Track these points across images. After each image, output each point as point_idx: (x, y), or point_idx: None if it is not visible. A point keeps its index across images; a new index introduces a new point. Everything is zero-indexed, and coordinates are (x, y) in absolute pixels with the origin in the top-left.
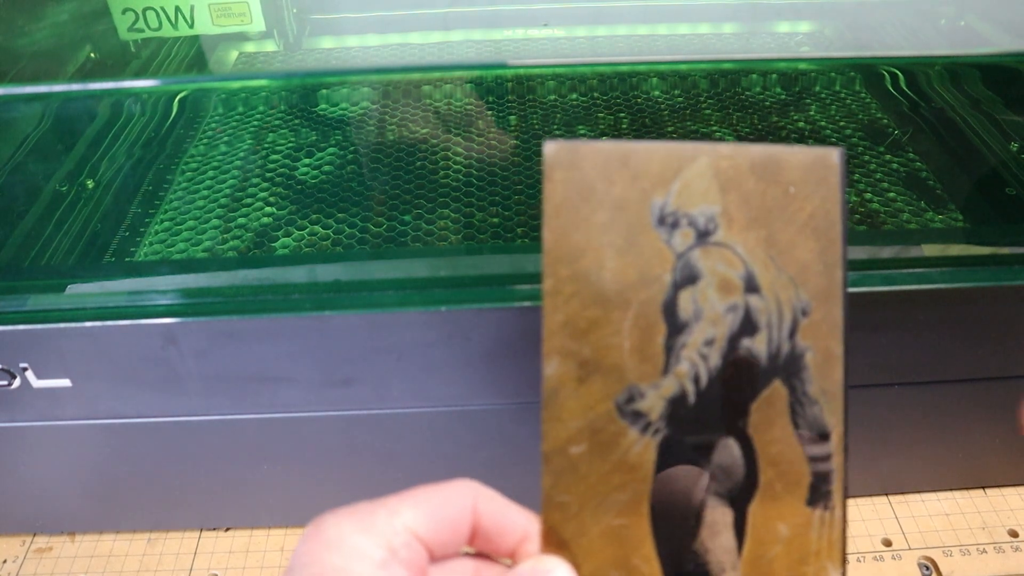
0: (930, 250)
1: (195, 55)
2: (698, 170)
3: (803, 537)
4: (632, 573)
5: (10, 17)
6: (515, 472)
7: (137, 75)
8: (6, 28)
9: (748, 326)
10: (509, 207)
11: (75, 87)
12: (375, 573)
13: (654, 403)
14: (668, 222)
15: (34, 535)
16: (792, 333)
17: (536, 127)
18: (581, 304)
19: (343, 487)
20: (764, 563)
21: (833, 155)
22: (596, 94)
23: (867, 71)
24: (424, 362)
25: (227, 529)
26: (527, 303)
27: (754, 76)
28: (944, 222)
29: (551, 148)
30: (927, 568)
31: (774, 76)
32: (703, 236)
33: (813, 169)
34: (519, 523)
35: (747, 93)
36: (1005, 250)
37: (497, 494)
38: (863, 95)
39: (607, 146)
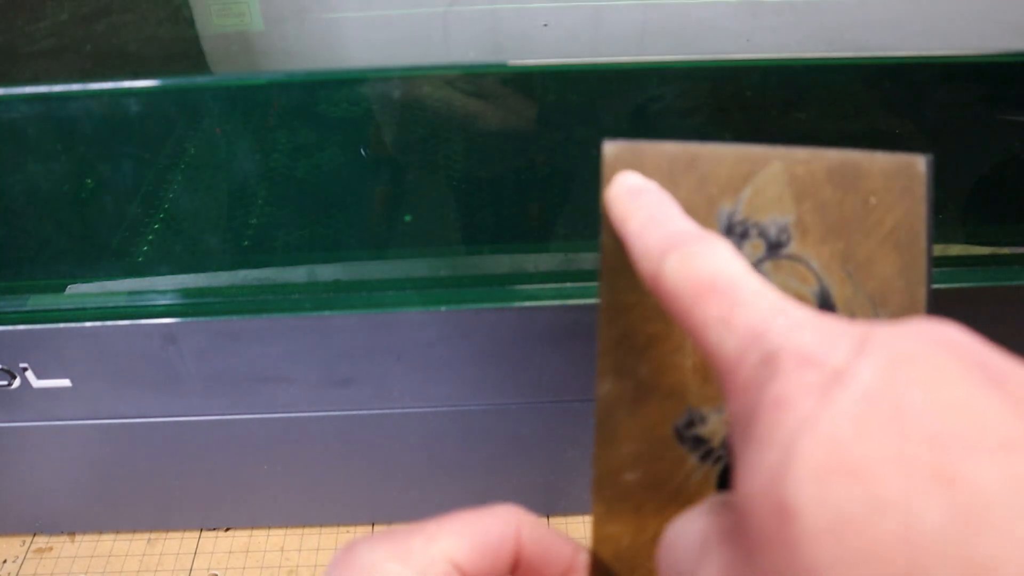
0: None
1: (195, 55)
2: (771, 176)
3: None
4: None
5: (10, 17)
6: (515, 472)
7: (137, 75)
8: (6, 28)
9: None
10: (510, 207)
11: (75, 87)
12: None
13: (717, 429)
14: (737, 231)
15: (34, 535)
16: None
17: (536, 127)
18: (640, 318)
19: (343, 487)
20: None
21: (919, 163)
22: (596, 94)
23: (867, 71)
24: (424, 362)
25: (227, 529)
26: (527, 303)
27: (754, 76)
28: (944, 222)
29: (611, 149)
30: None
31: (774, 76)
32: (774, 248)
33: (896, 178)
34: (565, 554)
35: (747, 93)
36: (1005, 250)
37: (542, 522)
38: (863, 95)
39: (672, 147)
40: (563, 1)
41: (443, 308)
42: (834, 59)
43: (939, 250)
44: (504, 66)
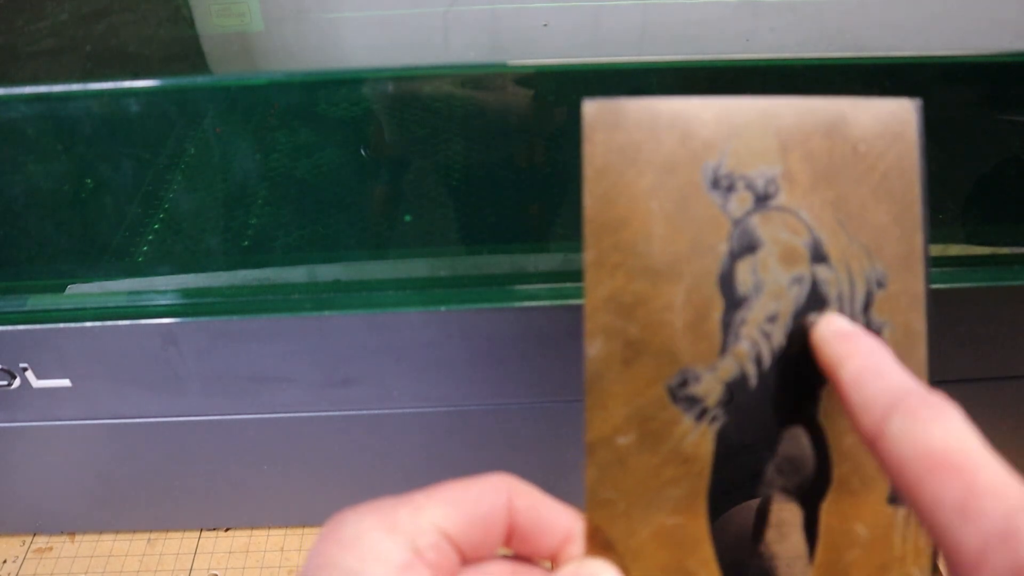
0: (930, 250)
1: (195, 55)
2: (755, 127)
3: (885, 540)
4: None
5: (10, 17)
6: (515, 472)
7: (137, 75)
8: (6, 28)
9: (815, 300)
10: (510, 207)
11: (75, 87)
12: None
13: (711, 387)
14: (723, 185)
15: (34, 535)
16: (866, 307)
17: (536, 127)
18: (627, 277)
19: (343, 487)
20: (840, 569)
21: (909, 107)
22: (596, 94)
23: (867, 71)
24: (424, 362)
25: (227, 529)
26: (527, 303)
27: (754, 76)
28: (944, 222)
29: (591, 107)
30: None
31: (774, 76)
32: (762, 200)
33: (886, 123)
34: (560, 522)
35: (747, 93)
36: (1005, 250)
37: (536, 490)
38: (863, 95)
39: (654, 103)
40: (563, 1)
41: (443, 308)
42: (834, 59)
43: (939, 250)
44: (504, 66)
